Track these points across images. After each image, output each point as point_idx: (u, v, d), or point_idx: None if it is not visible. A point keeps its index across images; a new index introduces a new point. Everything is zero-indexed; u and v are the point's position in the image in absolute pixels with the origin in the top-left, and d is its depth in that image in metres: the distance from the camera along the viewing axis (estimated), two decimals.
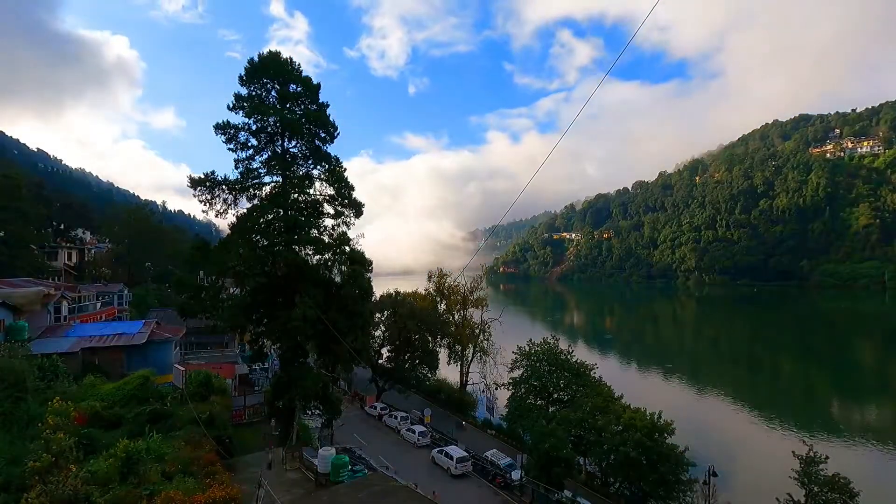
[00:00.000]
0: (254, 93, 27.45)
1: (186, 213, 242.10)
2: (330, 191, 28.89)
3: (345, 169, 29.17)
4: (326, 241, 28.47)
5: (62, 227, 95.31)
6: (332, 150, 29.26)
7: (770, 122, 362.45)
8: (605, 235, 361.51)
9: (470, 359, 59.72)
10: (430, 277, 63.43)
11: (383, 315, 54.22)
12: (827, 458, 26.87)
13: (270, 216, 27.42)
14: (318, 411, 33.27)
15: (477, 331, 59.38)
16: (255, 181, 28.21)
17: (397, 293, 57.90)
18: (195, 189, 26.94)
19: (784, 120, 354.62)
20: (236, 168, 28.03)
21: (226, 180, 27.41)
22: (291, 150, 28.76)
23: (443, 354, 57.64)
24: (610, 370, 59.30)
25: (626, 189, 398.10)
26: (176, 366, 30.57)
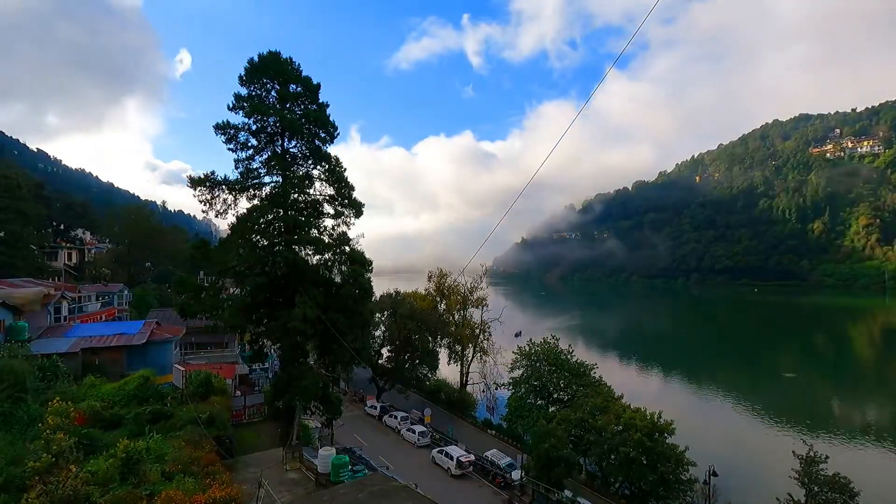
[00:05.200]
0: (253, 93, 27.40)
1: (186, 213, 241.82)
2: (330, 191, 28.85)
3: (345, 169, 29.14)
4: (326, 241, 28.43)
5: (62, 227, 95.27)
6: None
7: (770, 122, 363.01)
8: (604, 235, 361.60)
9: (470, 359, 59.75)
10: (430, 277, 63.44)
11: (383, 315, 54.23)
12: (827, 457, 26.90)
13: (270, 216, 27.36)
14: (318, 411, 33.27)
15: (477, 331, 59.41)
16: (255, 181, 28.16)
17: (397, 293, 57.94)
18: (195, 189, 26.88)
19: (784, 119, 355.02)
20: (236, 168, 27.99)
21: (226, 180, 27.36)
22: (291, 150, 28.72)
23: (443, 354, 57.67)
24: (610, 370, 59.30)
25: (626, 189, 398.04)
26: (176, 366, 30.56)
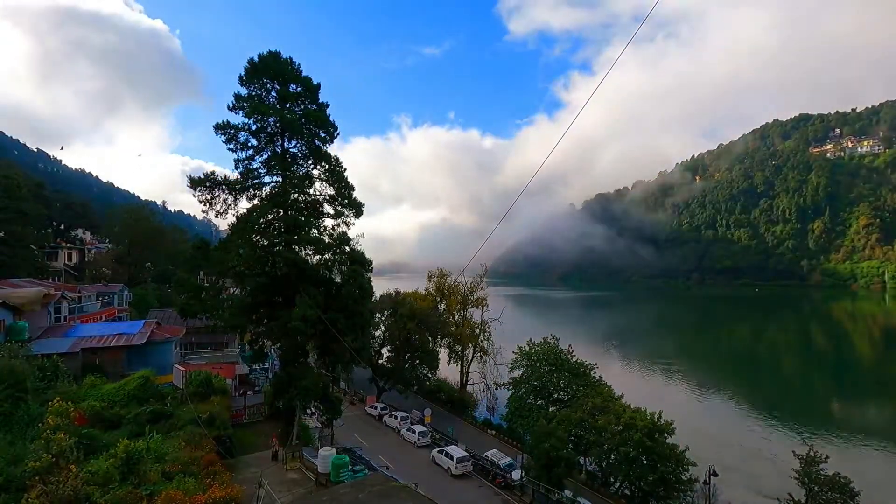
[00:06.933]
0: (254, 93, 27.42)
1: (186, 213, 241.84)
2: (330, 191, 28.88)
3: (345, 169, 29.17)
4: (326, 241, 28.45)
5: (62, 227, 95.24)
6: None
7: (770, 122, 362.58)
8: (605, 235, 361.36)
9: (470, 359, 59.75)
10: (430, 277, 63.43)
11: (383, 315, 54.22)
12: (827, 457, 26.93)
13: (270, 216, 27.41)
14: (318, 411, 33.27)
15: (477, 331, 59.41)
16: (255, 181, 28.20)
17: (397, 293, 57.94)
18: (195, 189, 26.91)
19: (784, 119, 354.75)
20: (236, 168, 28.05)
21: (226, 180, 27.40)
22: (291, 150, 28.75)
23: (443, 354, 57.65)
24: (610, 370, 59.27)
25: (626, 189, 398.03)
26: (176, 366, 30.56)
